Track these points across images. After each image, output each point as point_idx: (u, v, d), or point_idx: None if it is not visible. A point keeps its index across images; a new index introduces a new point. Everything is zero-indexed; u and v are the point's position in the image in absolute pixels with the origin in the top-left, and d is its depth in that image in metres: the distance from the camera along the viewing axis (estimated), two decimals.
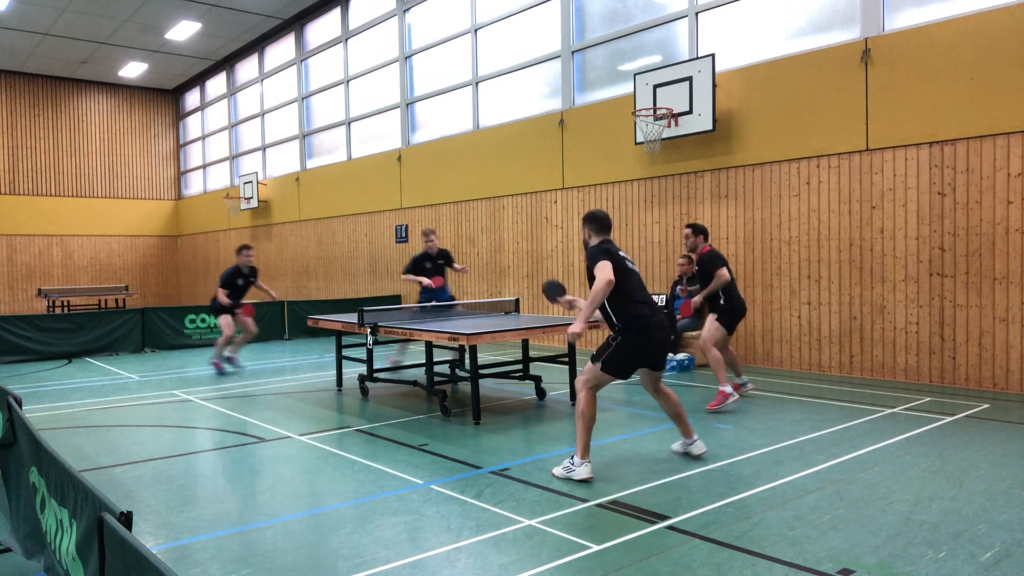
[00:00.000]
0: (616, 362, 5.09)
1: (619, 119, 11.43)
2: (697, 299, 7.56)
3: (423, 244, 9.61)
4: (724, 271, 7.27)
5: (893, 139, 8.60)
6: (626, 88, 11.51)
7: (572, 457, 5.06)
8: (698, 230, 7.48)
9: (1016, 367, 7.76)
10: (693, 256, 8.02)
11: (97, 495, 2.45)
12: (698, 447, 5.46)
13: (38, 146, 23.94)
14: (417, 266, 9.52)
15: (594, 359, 5.14)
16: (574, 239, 12.40)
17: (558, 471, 5.10)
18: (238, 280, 10.41)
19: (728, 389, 7.08)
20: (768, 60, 9.82)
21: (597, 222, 5.34)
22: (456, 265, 9.75)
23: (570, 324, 7.69)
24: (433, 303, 9.16)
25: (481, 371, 7.21)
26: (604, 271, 4.94)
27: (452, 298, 9.86)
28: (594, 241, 5.32)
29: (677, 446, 5.59)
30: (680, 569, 3.57)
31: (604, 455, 5.68)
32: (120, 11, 18.32)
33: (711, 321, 7.40)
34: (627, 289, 5.10)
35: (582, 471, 4.96)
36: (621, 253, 5.27)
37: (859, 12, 8.98)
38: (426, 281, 9.39)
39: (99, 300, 21.51)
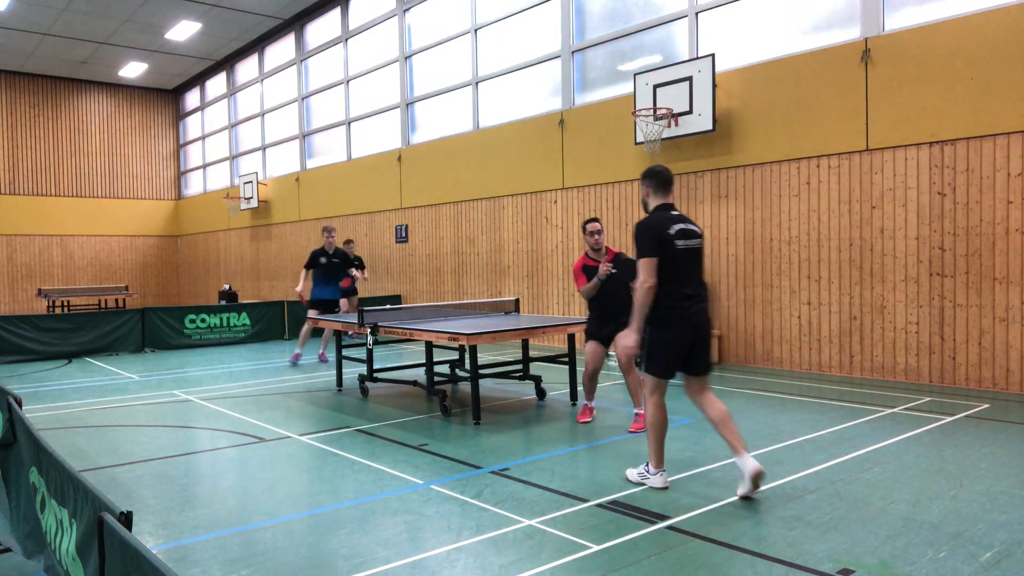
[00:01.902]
0: (652, 360, 4.60)
1: (619, 119, 11.43)
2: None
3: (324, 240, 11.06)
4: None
5: (893, 139, 8.59)
6: (626, 88, 11.51)
7: (647, 464, 4.82)
8: None
9: (1016, 367, 7.76)
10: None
11: (97, 495, 2.45)
12: (748, 465, 4.43)
13: (38, 146, 23.93)
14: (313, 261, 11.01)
15: (638, 365, 4.69)
16: (574, 239, 12.39)
17: (632, 474, 4.91)
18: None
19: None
20: (768, 60, 9.82)
21: (656, 178, 4.72)
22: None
23: (570, 324, 7.76)
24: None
25: (481, 371, 7.20)
26: (644, 272, 4.44)
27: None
28: (652, 202, 4.74)
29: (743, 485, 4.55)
30: (680, 569, 3.57)
31: (604, 455, 5.69)
32: (120, 11, 18.32)
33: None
34: (667, 273, 4.48)
35: (656, 480, 4.75)
36: (677, 226, 4.57)
37: (859, 12, 8.98)
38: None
39: (99, 300, 21.50)
